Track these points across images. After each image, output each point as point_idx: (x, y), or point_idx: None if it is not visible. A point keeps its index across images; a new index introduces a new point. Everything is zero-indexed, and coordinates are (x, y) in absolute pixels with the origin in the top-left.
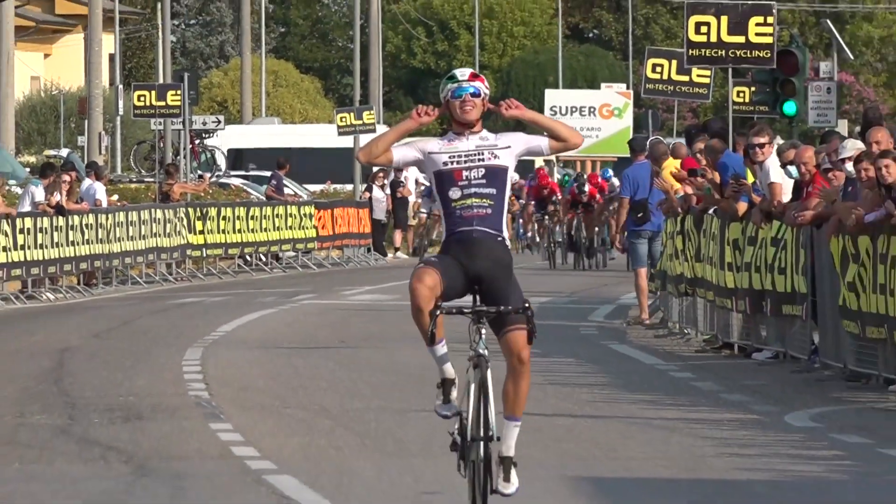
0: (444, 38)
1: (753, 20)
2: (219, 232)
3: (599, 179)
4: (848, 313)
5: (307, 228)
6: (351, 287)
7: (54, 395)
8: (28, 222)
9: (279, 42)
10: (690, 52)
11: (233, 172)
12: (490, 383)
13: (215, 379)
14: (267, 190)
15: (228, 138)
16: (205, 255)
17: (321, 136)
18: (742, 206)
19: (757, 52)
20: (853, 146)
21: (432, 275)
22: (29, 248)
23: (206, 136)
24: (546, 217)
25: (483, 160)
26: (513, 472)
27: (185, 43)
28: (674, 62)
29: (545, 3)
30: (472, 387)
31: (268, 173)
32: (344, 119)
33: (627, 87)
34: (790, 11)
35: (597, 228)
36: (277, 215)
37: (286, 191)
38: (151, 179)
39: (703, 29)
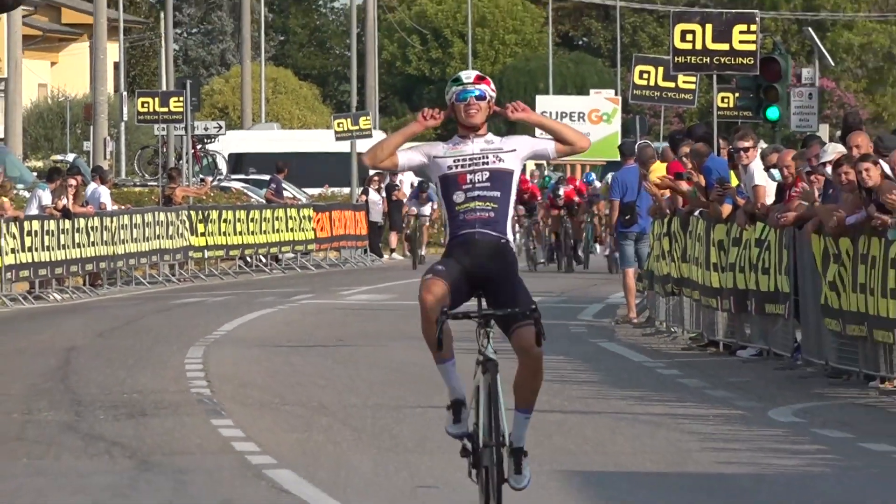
0: (437, 45)
1: (737, 28)
2: (220, 234)
3: (578, 182)
4: (829, 312)
5: (306, 230)
6: (348, 287)
7: (61, 392)
8: (35, 225)
9: (278, 50)
10: (676, 59)
11: (233, 176)
12: (500, 388)
13: (216, 376)
14: (266, 193)
15: (229, 143)
16: (206, 256)
17: (319, 141)
18: (727, 208)
19: (741, 59)
20: (833, 150)
21: (440, 285)
22: (36, 250)
23: (208, 141)
24: (526, 220)
25: (488, 164)
26: (524, 463)
27: (188, 51)
28: (660, 69)
29: (536, 12)
30: (482, 393)
31: (267, 177)
32: (341, 125)
33: (616, 93)
34: (773, 20)
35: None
36: (277, 218)
37: (285, 194)
38: (155, 183)
39: (689, 37)
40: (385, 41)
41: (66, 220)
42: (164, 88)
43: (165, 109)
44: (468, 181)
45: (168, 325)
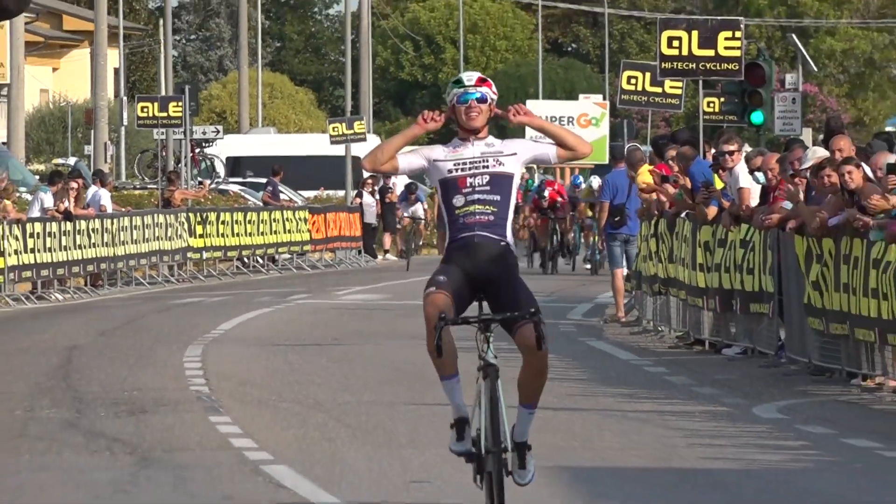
0: (430, 51)
1: (722, 35)
2: (218, 235)
3: (557, 184)
4: (812, 311)
5: (301, 232)
6: (343, 287)
7: (62, 390)
8: (38, 227)
9: (275, 56)
10: (663, 64)
11: (231, 179)
12: (501, 393)
13: (215, 374)
14: (263, 196)
15: (227, 147)
16: (204, 257)
17: (315, 144)
18: (712, 210)
19: (726, 64)
20: (813, 155)
21: (442, 297)
22: (39, 251)
23: (206, 145)
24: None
25: (488, 167)
26: (528, 458)
27: (186, 57)
28: (647, 74)
29: (526, 19)
30: (483, 399)
31: (264, 180)
32: (336, 129)
33: (604, 98)
34: (757, 26)
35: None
36: (273, 220)
37: (281, 196)
38: (154, 186)
39: (675, 43)
40: (379, 47)
41: (68, 222)
42: (163, 94)
43: (165, 114)
44: (468, 185)
45: (167, 325)
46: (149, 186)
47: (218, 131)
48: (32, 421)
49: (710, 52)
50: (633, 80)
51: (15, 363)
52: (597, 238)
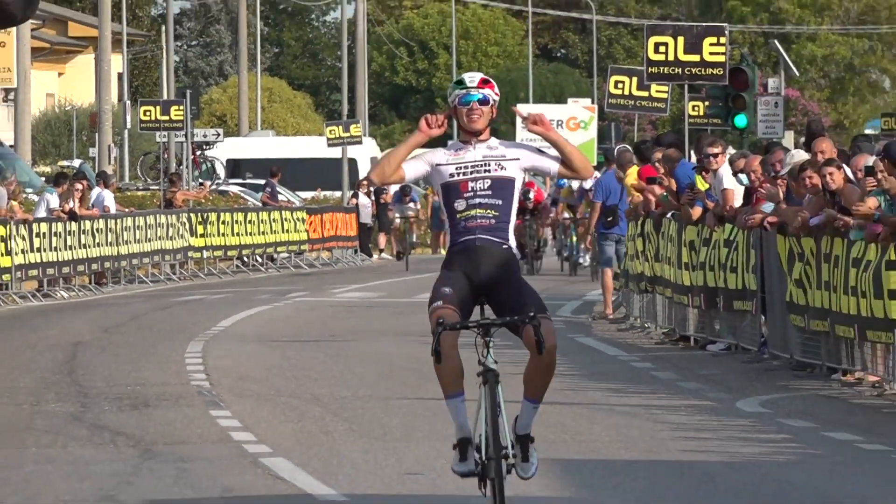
0: (424, 57)
1: (707, 40)
2: (218, 235)
3: (535, 187)
4: (794, 308)
5: (299, 232)
6: (340, 285)
7: (68, 384)
8: (44, 227)
9: (273, 61)
10: (650, 69)
11: (231, 181)
12: (501, 399)
13: (215, 370)
14: (262, 196)
15: (227, 149)
16: (205, 256)
17: (312, 147)
18: (697, 211)
19: (711, 69)
20: (791, 160)
21: (448, 311)
22: (44, 250)
23: (207, 147)
24: None
25: (490, 171)
26: (531, 450)
27: (187, 62)
28: (634, 79)
29: (517, 26)
30: (484, 405)
31: (263, 181)
32: (333, 132)
33: (592, 102)
34: (741, 32)
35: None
36: (272, 220)
37: (280, 197)
38: (156, 187)
39: (662, 49)
40: (374, 53)
41: (73, 223)
42: (165, 98)
43: (166, 118)
44: (470, 189)
45: (169, 322)
46: (151, 188)
47: (218, 134)
48: (38, 414)
49: (696, 58)
50: (620, 85)
51: (21, 358)
52: (575, 239)
